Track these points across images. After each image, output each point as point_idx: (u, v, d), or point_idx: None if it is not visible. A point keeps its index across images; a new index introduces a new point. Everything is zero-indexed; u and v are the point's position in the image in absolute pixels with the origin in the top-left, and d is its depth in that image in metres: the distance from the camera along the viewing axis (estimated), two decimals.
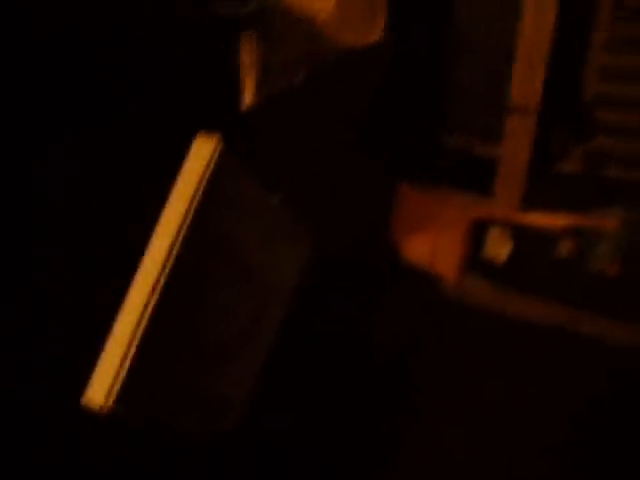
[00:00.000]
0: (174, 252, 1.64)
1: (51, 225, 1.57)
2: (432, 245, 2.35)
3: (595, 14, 2.28)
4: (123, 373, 1.51)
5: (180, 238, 1.64)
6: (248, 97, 1.71)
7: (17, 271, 1.52)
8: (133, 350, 1.56)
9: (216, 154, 1.61)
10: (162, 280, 1.64)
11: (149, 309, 1.62)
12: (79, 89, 1.57)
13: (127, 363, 1.53)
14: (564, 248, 2.28)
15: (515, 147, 2.20)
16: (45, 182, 1.52)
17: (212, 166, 1.62)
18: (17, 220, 1.50)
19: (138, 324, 1.60)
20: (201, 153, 1.61)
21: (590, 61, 2.32)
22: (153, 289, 1.63)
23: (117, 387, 1.49)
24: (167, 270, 1.64)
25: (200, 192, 1.63)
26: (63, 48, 1.54)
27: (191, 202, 1.63)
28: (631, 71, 2.29)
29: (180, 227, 1.64)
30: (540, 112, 2.16)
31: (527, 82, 2.13)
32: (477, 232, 2.36)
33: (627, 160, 2.32)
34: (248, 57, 1.67)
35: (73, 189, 1.56)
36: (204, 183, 1.63)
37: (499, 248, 2.34)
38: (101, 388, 1.48)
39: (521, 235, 2.33)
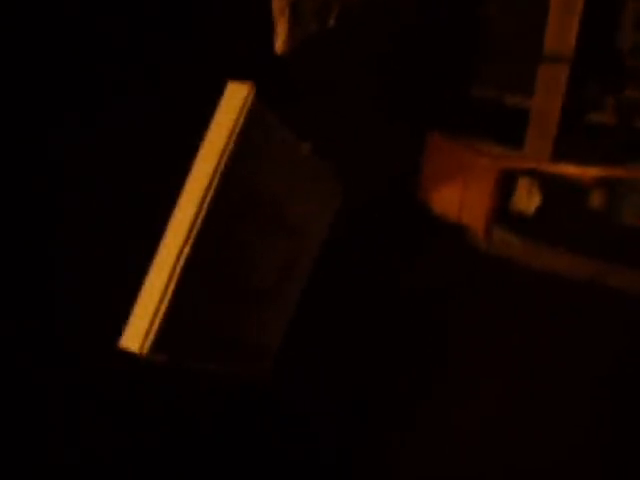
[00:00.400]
0: (207, 200, 1.64)
1: (82, 177, 1.57)
2: (461, 196, 2.33)
3: None
4: (159, 319, 1.52)
5: (213, 187, 1.64)
6: (280, 41, 1.69)
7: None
8: (169, 296, 1.58)
9: (248, 102, 1.60)
10: (196, 227, 1.64)
11: (184, 255, 1.63)
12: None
13: (163, 309, 1.55)
14: (595, 200, 2.25)
15: (547, 97, 2.16)
16: (74, 131, 1.52)
17: (244, 114, 1.61)
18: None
19: (173, 270, 1.61)
20: (233, 100, 1.60)
21: (626, 10, 2.26)
22: (187, 237, 1.64)
23: (153, 334, 1.50)
24: (201, 218, 1.64)
25: (232, 141, 1.62)
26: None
27: (224, 151, 1.63)
28: None
29: (213, 176, 1.64)
30: (573, 62, 2.11)
31: (561, 31, 2.08)
32: (506, 184, 2.34)
33: None
34: (279, 1, 1.65)
35: (109, 135, 1.56)
36: (237, 132, 1.62)
37: (528, 200, 2.31)
38: (137, 334, 1.50)
39: (551, 187, 2.31)
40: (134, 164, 1.63)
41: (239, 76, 1.60)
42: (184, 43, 1.68)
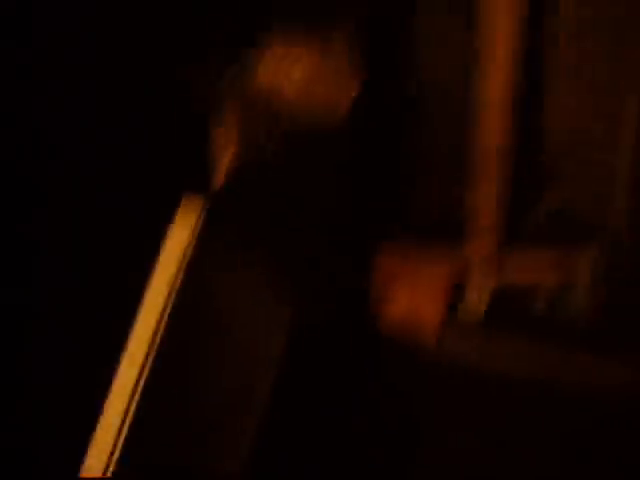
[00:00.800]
0: (163, 321, 1.62)
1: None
2: (410, 303, 2.34)
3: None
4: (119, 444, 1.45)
5: (168, 307, 1.62)
6: (223, 168, 1.73)
7: None
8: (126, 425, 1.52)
9: (203, 216, 1.61)
10: (151, 352, 1.61)
11: (139, 385, 1.58)
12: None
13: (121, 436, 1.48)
14: (542, 294, 2.30)
15: (488, 194, 2.22)
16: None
17: (199, 229, 1.62)
18: None
19: (130, 399, 1.56)
20: (188, 215, 1.60)
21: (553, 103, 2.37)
22: (142, 364, 1.60)
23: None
24: (156, 341, 1.61)
25: (187, 256, 1.62)
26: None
27: (179, 267, 1.62)
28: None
29: (168, 297, 1.62)
30: (510, 157, 2.19)
31: (495, 128, 2.16)
32: (456, 290, 2.37)
33: (596, 200, 2.37)
34: (222, 128, 1.70)
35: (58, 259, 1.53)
36: (191, 247, 1.62)
37: (479, 301, 2.35)
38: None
39: (499, 285, 2.35)
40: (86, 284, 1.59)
41: (192, 190, 1.62)
42: (138, 160, 1.69)
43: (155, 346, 1.58)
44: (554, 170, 2.36)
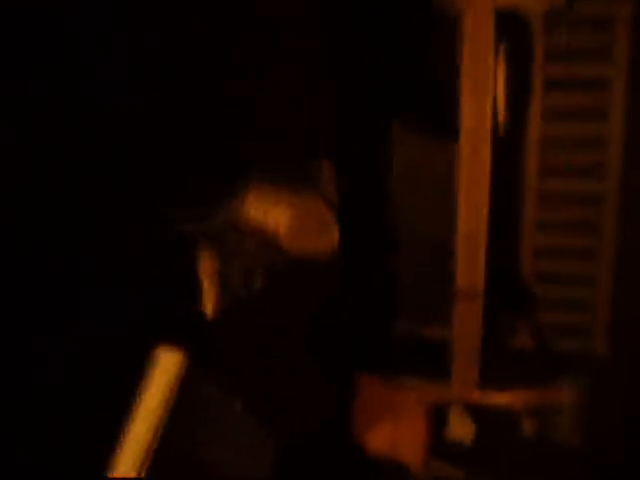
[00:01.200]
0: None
1: None
2: (393, 433, 2.34)
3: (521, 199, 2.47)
4: None
5: (146, 457, 1.61)
6: (209, 307, 1.76)
7: None
8: None
9: (179, 366, 1.62)
10: None
11: None
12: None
13: None
14: (527, 425, 2.30)
15: (465, 330, 2.28)
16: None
17: (175, 379, 1.63)
18: None
19: None
20: (164, 366, 1.61)
21: (524, 241, 2.48)
22: None
23: None
24: None
25: (165, 407, 1.62)
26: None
27: (156, 417, 1.62)
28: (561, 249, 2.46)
29: (146, 444, 1.61)
30: (485, 294, 2.26)
31: (470, 268, 2.25)
32: (438, 416, 2.37)
33: (572, 331, 2.43)
34: (208, 269, 1.74)
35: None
36: (168, 397, 1.63)
37: (462, 430, 2.34)
38: None
39: (483, 415, 2.35)
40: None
41: (170, 341, 1.63)
42: (115, 310, 1.71)
43: None
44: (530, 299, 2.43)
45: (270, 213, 1.83)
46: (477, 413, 2.37)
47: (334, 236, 1.92)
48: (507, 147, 2.40)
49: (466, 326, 2.27)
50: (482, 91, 2.24)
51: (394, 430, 2.33)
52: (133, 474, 1.56)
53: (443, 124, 2.34)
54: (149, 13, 1.67)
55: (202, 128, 1.75)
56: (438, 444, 2.38)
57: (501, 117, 2.37)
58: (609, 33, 2.40)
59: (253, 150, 1.83)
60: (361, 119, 2.37)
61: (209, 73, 1.79)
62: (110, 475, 1.54)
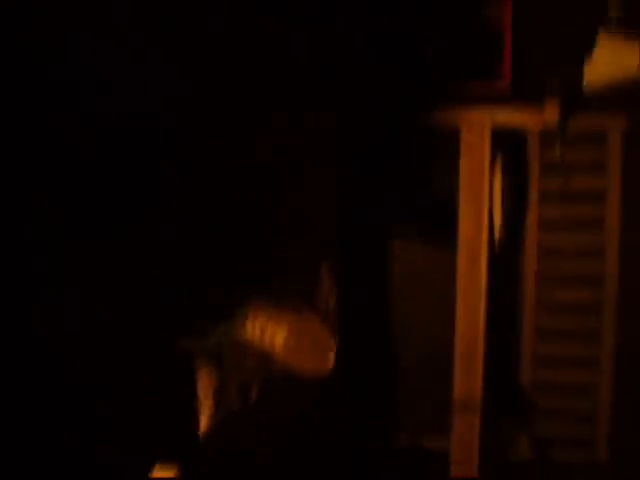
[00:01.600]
0: None
1: None
2: None
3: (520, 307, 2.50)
4: None
5: None
6: (204, 420, 1.76)
7: None
8: None
9: None
10: None
11: None
12: None
13: None
14: None
15: (464, 441, 2.26)
16: None
17: None
18: None
19: None
20: None
21: (524, 350, 2.49)
22: None
23: None
24: None
25: None
26: None
27: None
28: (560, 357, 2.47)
29: None
30: (484, 405, 2.25)
31: (468, 380, 2.25)
32: None
33: (571, 443, 2.41)
34: (205, 384, 1.75)
35: None
36: None
37: None
38: None
39: None
40: None
41: (165, 457, 1.63)
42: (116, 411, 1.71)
43: None
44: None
45: (267, 330, 1.85)
46: None
47: (330, 357, 1.94)
48: (505, 256, 2.44)
49: (464, 438, 2.25)
50: (479, 202, 2.29)
51: None
52: None
53: (443, 234, 2.39)
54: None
55: (204, 245, 1.79)
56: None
57: (498, 227, 2.42)
58: (603, 146, 2.48)
59: (255, 265, 1.86)
60: (362, 230, 2.42)
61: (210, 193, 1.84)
62: None
